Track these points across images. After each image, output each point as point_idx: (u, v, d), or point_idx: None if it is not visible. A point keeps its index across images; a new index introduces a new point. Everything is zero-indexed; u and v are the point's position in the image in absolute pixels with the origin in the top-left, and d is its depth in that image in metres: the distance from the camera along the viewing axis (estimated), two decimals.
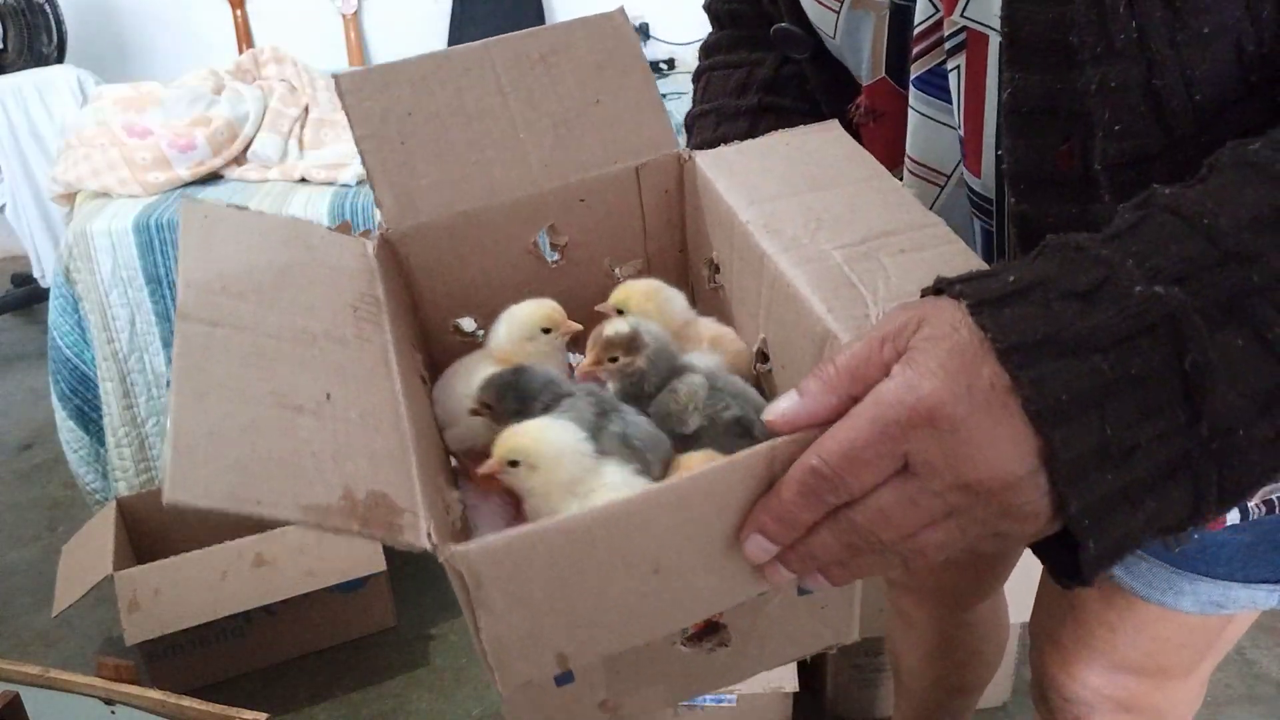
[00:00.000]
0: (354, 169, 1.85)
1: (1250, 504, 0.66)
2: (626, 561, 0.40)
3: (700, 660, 0.47)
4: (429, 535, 0.41)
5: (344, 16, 3.38)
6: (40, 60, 2.92)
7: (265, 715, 1.05)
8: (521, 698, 0.46)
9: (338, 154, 1.95)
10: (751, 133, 0.70)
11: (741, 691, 1.35)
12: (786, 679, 1.34)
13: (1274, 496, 0.66)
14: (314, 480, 0.40)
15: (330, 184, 1.85)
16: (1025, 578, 1.36)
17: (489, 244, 0.62)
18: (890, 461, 0.39)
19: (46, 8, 2.92)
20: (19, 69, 2.84)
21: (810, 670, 1.45)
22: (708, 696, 1.36)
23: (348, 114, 0.60)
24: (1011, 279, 0.40)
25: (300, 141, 2.03)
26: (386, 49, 3.46)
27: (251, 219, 0.55)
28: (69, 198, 1.97)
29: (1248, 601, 0.73)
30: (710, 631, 0.46)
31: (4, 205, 2.81)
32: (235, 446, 0.40)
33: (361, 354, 0.48)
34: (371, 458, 0.43)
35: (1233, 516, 0.67)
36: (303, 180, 1.89)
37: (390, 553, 1.78)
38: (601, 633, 0.41)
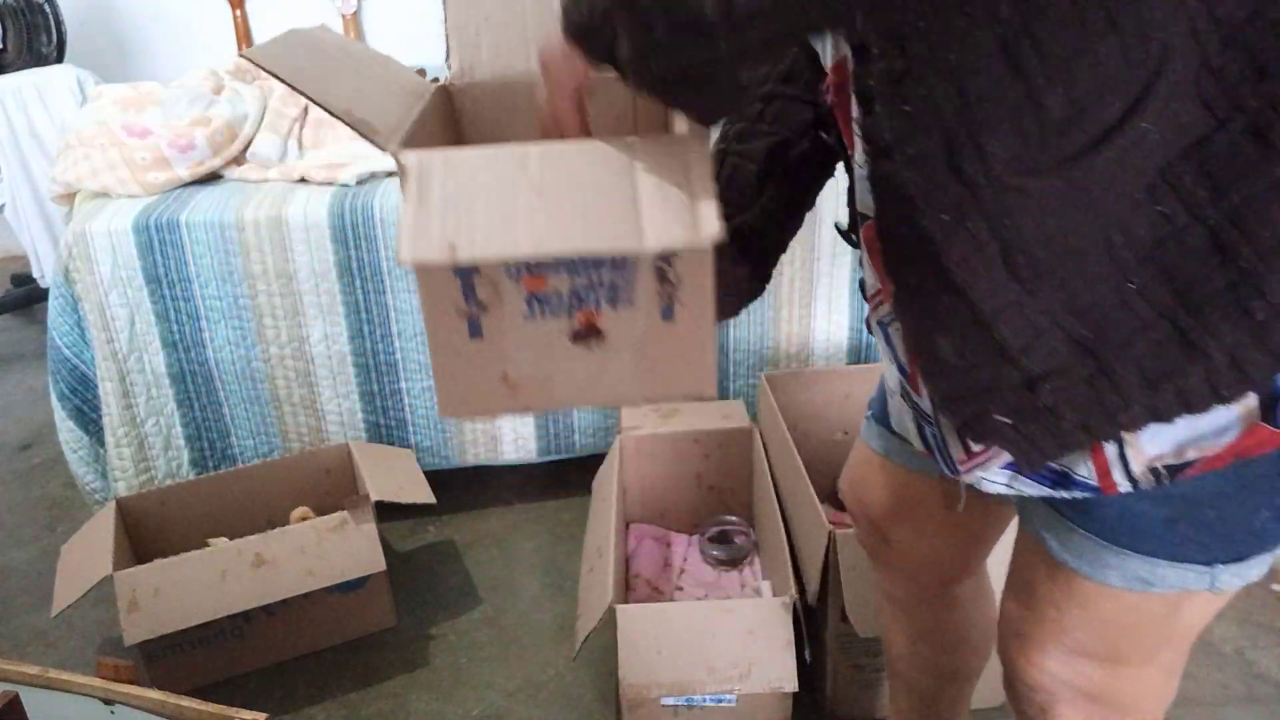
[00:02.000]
0: (353, 169, 1.85)
1: (1136, 471, 0.68)
2: (516, 181, 0.50)
3: (583, 365, 0.55)
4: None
5: (344, 16, 3.38)
6: (40, 60, 2.92)
7: (265, 715, 1.05)
8: (444, 361, 0.55)
9: (337, 154, 1.95)
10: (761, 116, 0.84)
11: (741, 691, 1.35)
12: (786, 679, 1.34)
13: (1159, 466, 0.67)
14: None
15: (330, 184, 1.85)
16: None
17: (526, 109, 0.72)
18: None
19: (46, 7, 2.92)
20: (18, 69, 2.84)
21: (810, 670, 1.45)
22: (707, 696, 1.36)
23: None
24: None
25: (300, 141, 2.03)
26: (386, 49, 3.45)
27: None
28: (68, 198, 1.97)
29: (1177, 582, 0.73)
30: (592, 333, 0.54)
31: (3, 205, 2.81)
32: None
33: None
34: None
35: (1125, 484, 0.69)
36: (302, 180, 1.89)
37: (390, 553, 1.79)
38: (481, 234, 0.49)
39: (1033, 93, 0.52)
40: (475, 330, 0.53)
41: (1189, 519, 0.70)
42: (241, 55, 0.65)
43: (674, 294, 0.50)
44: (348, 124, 0.58)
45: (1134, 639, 0.80)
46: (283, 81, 0.57)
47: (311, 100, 0.58)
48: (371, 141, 0.58)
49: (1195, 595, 0.74)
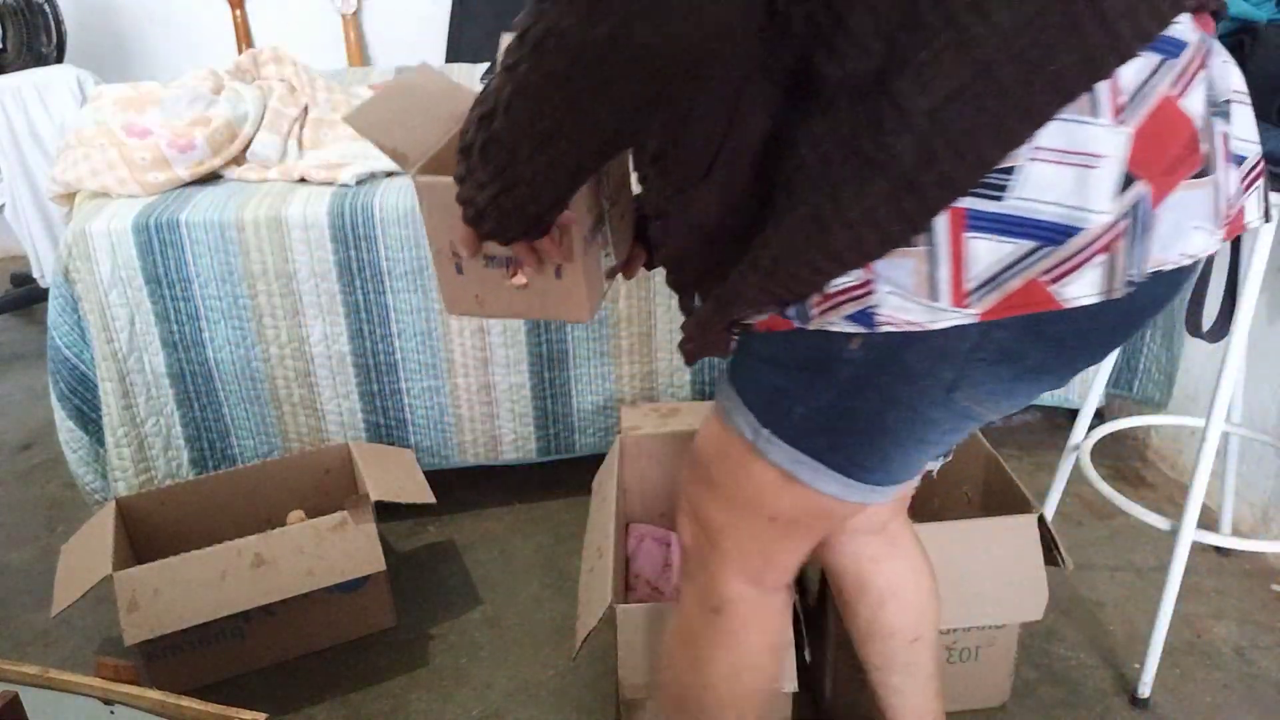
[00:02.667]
0: (353, 169, 1.85)
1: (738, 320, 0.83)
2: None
3: (516, 295, 0.87)
4: None
5: (344, 16, 3.38)
6: (39, 60, 2.92)
7: (265, 715, 1.05)
8: (444, 284, 0.89)
9: (337, 154, 1.95)
10: None
11: None
12: (786, 679, 1.34)
13: (740, 321, 0.81)
14: None
15: (330, 184, 1.85)
16: (1024, 578, 1.36)
17: None
18: None
19: (46, 7, 2.92)
20: (18, 69, 2.84)
21: (810, 670, 1.45)
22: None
23: None
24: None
25: (300, 141, 2.03)
26: (386, 49, 3.46)
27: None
28: (68, 198, 1.97)
29: (740, 423, 0.85)
30: (518, 278, 0.86)
31: (3, 205, 2.81)
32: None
33: None
34: None
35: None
36: (302, 180, 1.89)
37: (390, 553, 1.79)
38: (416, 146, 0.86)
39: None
40: (459, 270, 0.88)
41: (752, 370, 0.84)
42: (345, 120, 0.85)
43: (559, 267, 0.84)
44: (387, 155, 0.84)
45: (719, 469, 0.90)
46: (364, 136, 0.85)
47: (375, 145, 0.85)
48: (401, 168, 0.84)
49: (748, 448, 0.84)
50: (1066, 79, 0.64)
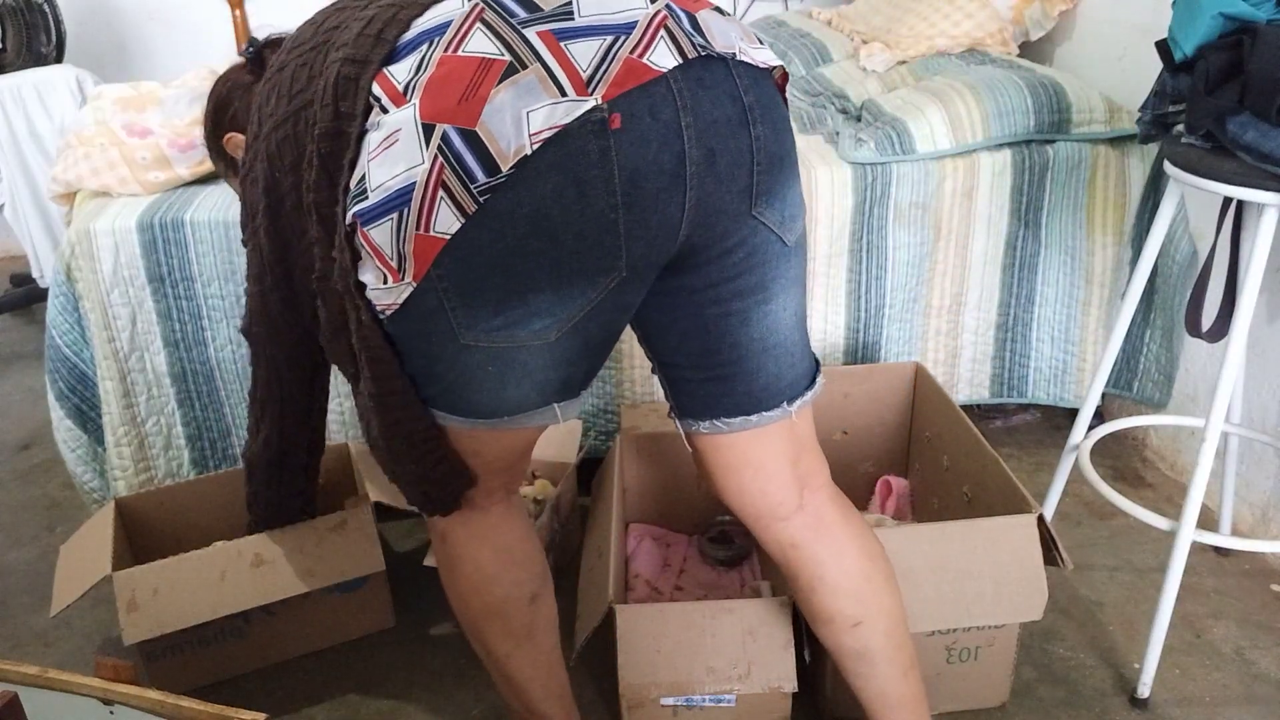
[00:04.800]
0: None
1: None
2: None
3: None
4: None
5: None
6: (39, 60, 2.92)
7: (264, 715, 1.04)
8: None
9: None
10: None
11: (741, 692, 1.35)
12: (786, 679, 1.34)
13: None
14: None
15: None
16: (1024, 578, 1.36)
17: None
18: None
19: (45, 7, 2.92)
20: (18, 69, 2.84)
21: (810, 670, 1.45)
22: (706, 696, 1.36)
23: None
24: None
25: None
26: None
27: None
28: (68, 197, 1.97)
29: None
30: None
31: (2, 205, 2.81)
32: None
33: None
34: None
35: None
36: None
37: (390, 553, 1.78)
38: None
39: None
40: None
41: None
42: None
43: None
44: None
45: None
46: None
47: None
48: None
49: None
50: (343, 124, 0.96)
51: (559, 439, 1.88)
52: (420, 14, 0.93)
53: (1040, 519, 1.38)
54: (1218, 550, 1.81)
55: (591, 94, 0.84)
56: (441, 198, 0.86)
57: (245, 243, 1.20)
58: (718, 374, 1.04)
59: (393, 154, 0.88)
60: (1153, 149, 1.92)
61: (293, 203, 1.07)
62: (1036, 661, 1.58)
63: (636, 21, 0.88)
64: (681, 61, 0.87)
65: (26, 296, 3.04)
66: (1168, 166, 1.43)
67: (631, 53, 0.86)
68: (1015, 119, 1.89)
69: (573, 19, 0.87)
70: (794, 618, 1.36)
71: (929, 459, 1.79)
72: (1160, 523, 1.48)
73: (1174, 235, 1.89)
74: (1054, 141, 1.93)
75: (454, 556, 1.16)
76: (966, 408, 2.02)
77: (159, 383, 1.84)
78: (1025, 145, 1.92)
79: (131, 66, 3.43)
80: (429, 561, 1.61)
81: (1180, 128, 1.43)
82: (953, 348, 2.05)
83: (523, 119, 0.83)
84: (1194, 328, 1.58)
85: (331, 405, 1.89)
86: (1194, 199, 1.91)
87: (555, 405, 1.02)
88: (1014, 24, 2.36)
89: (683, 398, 1.08)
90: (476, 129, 0.84)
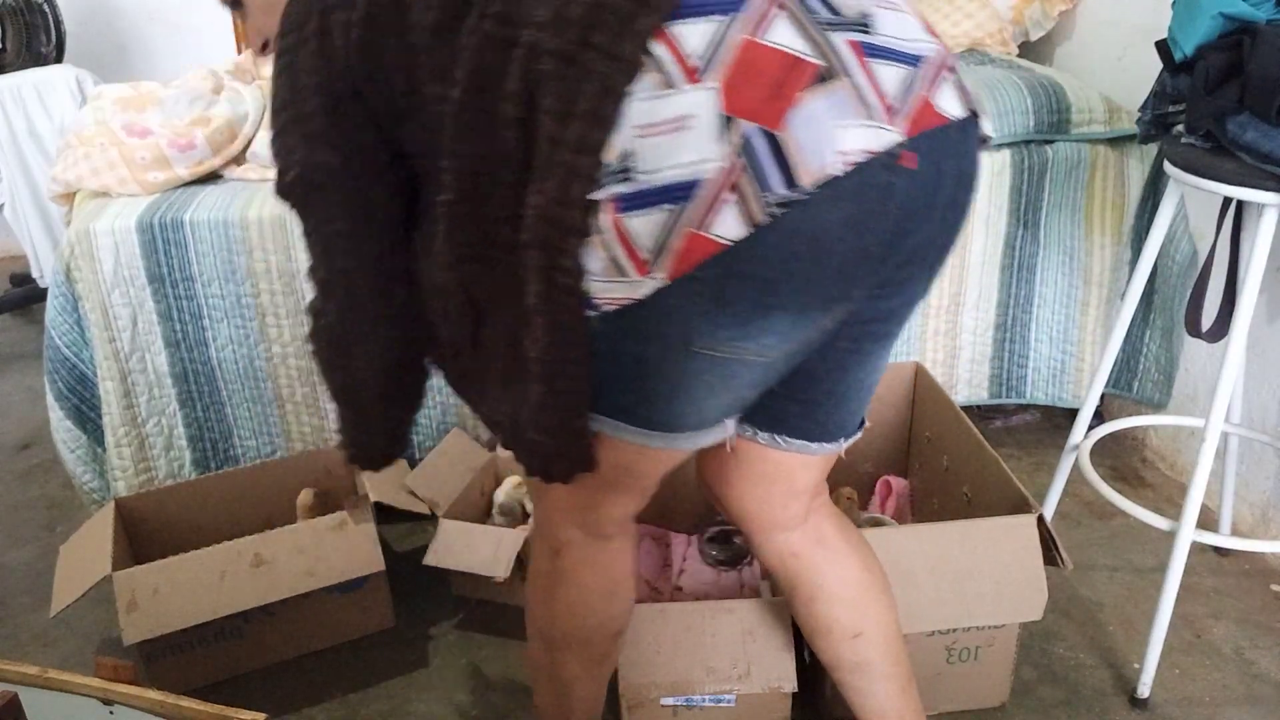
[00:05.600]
0: None
1: None
2: None
3: None
4: None
5: None
6: (39, 60, 2.92)
7: (264, 715, 1.04)
8: None
9: None
10: None
11: (740, 692, 1.35)
12: (786, 679, 1.34)
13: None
14: None
15: None
16: (1024, 578, 1.36)
17: None
18: None
19: (45, 7, 2.92)
20: (18, 69, 2.84)
21: (810, 670, 1.45)
22: (706, 696, 1.36)
23: None
24: None
25: None
26: None
27: None
28: (68, 198, 1.97)
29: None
30: None
31: (2, 205, 2.81)
32: None
33: None
34: None
35: None
36: None
37: (390, 553, 1.78)
38: None
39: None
40: None
41: None
42: None
43: None
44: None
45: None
46: None
47: None
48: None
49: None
50: (613, 81, 0.77)
51: None
52: None
53: (1040, 519, 1.38)
54: (1217, 550, 1.81)
55: (894, 125, 0.80)
56: (729, 200, 0.77)
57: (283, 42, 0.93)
58: (806, 399, 1.01)
59: (680, 141, 0.76)
60: (1152, 149, 1.92)
61: (432, 71, 0.85)
62: (1036, 661, 1.58)
63: (925, 57, 0.83)
64: (966, 114, 0.85)
65: (26, 296, 3.04)
66: (1167, 166, 1.43)
67: (925, 90, 0.82)
68: (1014, 119, 1.89)
69: (871, 34, 0.81)
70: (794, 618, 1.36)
71: (929, 459, 1.79)
72: (1160, 523, 1.48)
73: (1174, 235, 1.89)
74: (1053, 142, 1.93)
75: (561, 575, 1.09)
76: (966, 408, 2.02)
77: (160, 383, 1.84)
78: (1024, 145, 1.92)
79: (131, 67, 3.43)
80: (429, 561, 1.61)
81: (1180, 128, 1.43)
82: (951, 348, 2.05)
83: (833, 135, 0.77)
84: (1194, 328, 1.58)
85: (332, 405, 1.89)
86: (1194, 199, 1.91)
87: (728, 422, 0.97)
88: (1014, 24, 2.36)
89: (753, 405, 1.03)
90: (780, 133, 0.76)
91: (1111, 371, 1.98)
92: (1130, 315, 1.59)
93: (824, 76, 0.77)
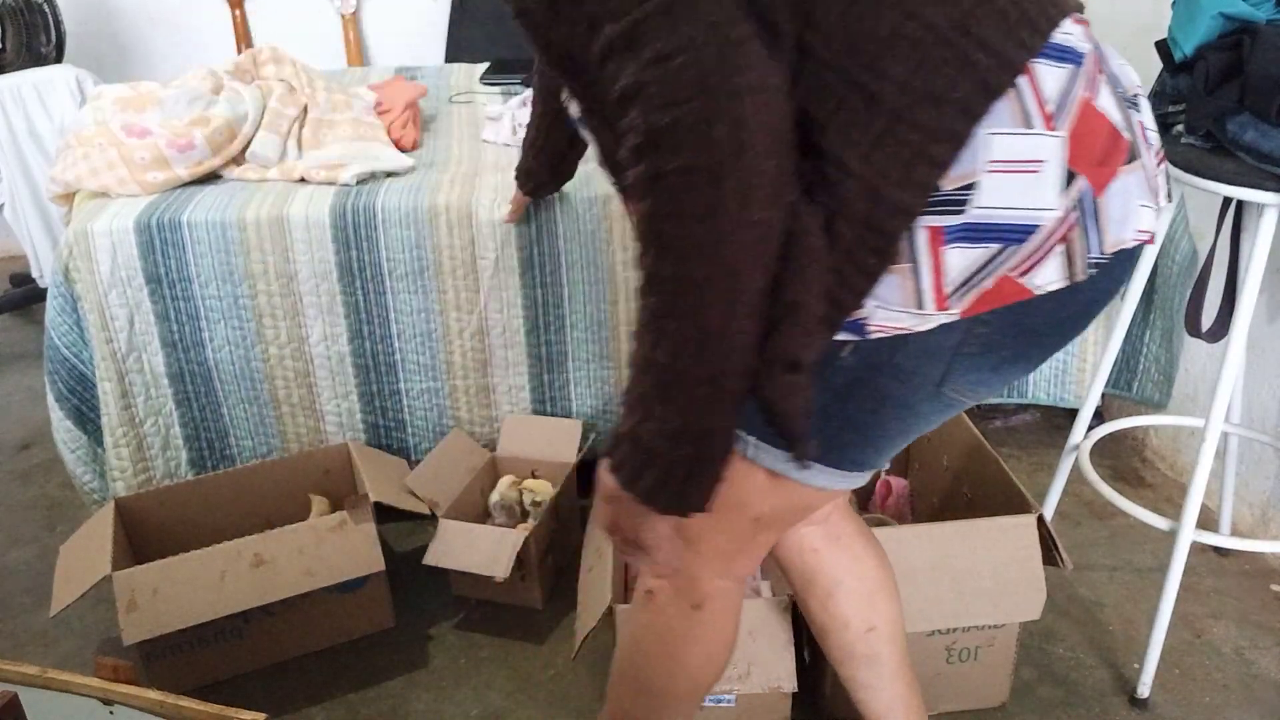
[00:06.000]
0: (352, 169, 1.85)
1: None
2: None
3: None
4: None
5: (343, 16, 3.37)
6: (38, 60, 2.92)
7: (264, 715, 1.05)
8: None
9: (337, 154, 1.95)
10: None
11: (741, 691, 1.35)
12: (786, 679, 1.34)
13: None
14: None
15: (330, 184, 1.85)
16: (1023, 578, 1.36)
17: None
18: None
19: (45, 7, 2.92)
20: (17, 69, 2.84)
21: (810, 670, 1.45)
22: (706, 696, 1.36)
23: None
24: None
25: (299, 141, 2.03)
26: (385, 49, 3.46)
27: None
28: (67, 198, 1.97)
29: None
30: None
31: (2, 205, 2.81)
32: None
33: None
34: None
35: None
36: (302, 180, 1.89)
37: (389, 553, 1.78)
38: None
39: None
40: None
41: None
42: None
43: None
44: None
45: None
46: None
47: None
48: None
49: (736, 458, 0.84)
50: (971, 102, 0.73)
51: (559, 439, 1.88)
52: (1055, 16, 0.77)
53: (1040, 519, 1.38)
54: (1217, 550, 1.81)
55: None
56: (1056, 252, 0.77)
57: None
58: (882, 437, 0.97)
59: (1028, 182, 0.75)
60: None
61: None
62: (1036, 661, 1.58)
63: (1153, 145, 0.85)
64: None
65: (26, 296, 3.04)
66: (1168, 166, 1.43)
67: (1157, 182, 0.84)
68: None
69: (1142, 115, 0.84)
70: (794, 618, 1.36)
71: (929, 459, 1.78)
72: (1160, 523, 1.48)
73: (1174, 235, 1.89)
74: None
75: (702, 628, 1.01)
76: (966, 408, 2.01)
77: (156, 383, 1.84)
78: None
79: (131, 67, 3.43)
80: (429, 561, 1.61)
81: (1180, 128, 1.43)
82: None
83: (1137, 213, 0.79)
84: (1194, 328, 1.58)
85: (329, 405, 1.89)
86: (1194, 199, 1.90)
87: None
88: None
89: None
90: (1099, 200, 0.77)
91: (1111, 371, 1.97)
92: (1130, 315, 1.59)
93: (1132, 155, 0.79)
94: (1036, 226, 0.75)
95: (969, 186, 0.74)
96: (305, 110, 2.07)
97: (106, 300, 1.77)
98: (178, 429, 1.87)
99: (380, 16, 3.43)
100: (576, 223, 1.80)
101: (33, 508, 2.13)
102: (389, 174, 1.90)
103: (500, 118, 2.15)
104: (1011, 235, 0.75)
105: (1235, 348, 1.37)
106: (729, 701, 1.37)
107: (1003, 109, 0.74)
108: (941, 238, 0.75)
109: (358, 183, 1.84)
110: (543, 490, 1.82)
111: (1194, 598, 1.69)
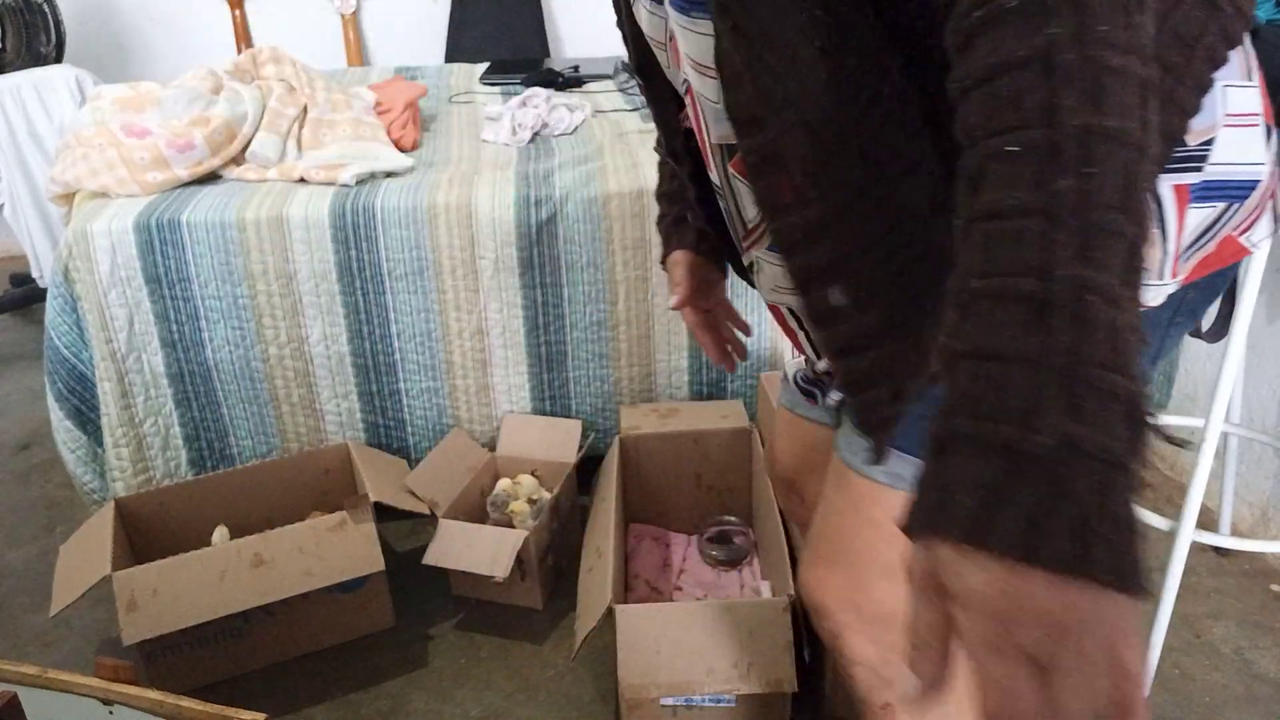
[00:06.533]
0: (352, 169, 1.85)
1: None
2: None
3: None
4: None
5: (343, 16, 3.38)
6: (38, 60, 2.92)
7: (264, 715, 1.05)
8: None
9: (336, 154, 1.95)
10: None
11: (741, 692, 1.35)
12: (786, 679, 1.34)
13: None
14: None
15: (330, 184, 1.85)
16: None
17: None
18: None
19: (45, 7, 2.92)
20: (17, 69, 2.84)
21: (810, 670, 1.45)
22: (706, 696, 1.36)
23: None
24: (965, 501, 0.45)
25: (299, 141, 2.03)
26: (385, 49, 3.46)
27: None
28: (67, 198, 1.97)
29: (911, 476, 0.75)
30: None
31: (2, 205, 2.81)
32: None
33: None
34: None
35: None
36: (301, 181, 1.89)
37: (390, 553, 1.78)
38: None
39: None
40: None
41: (917, 422, 0.74)
42: None
43: None
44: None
45: (897, 545, 0.79)
46: None
47: None
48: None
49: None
50: (1216, 49, 0.69)
51: (559, 439, 1.88)
52: None
53: None
54: (1217, 550, 1.81)
55: None
56: (1267, 208, 0.75)
57: None
58: None
59: (1250, 136, 0.72)
60: None
61: None
62: None
63: None
64: None
65: (26, 296, 3.04)
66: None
67: None
68: None
69: None
70: (794, 618, 1.36)
71: None
72: (1160, 523, 1.48)
73: None
74: None
75: None
76: None
77: (156, 383, 1.84)
78: None
79: (131, 66, 3.43)
80: (429, 561, 1.61)
81: None
82: None
83: None
84: (1194, 328, 1.58)
85: (329, 405, 1.89)
86: None
87: None
88: None
89: None
90: None
91: None
92: None
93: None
94: (1258, 181, 0.72)
95: (1209, 141, 0.70)
96: (305, 110, 2.07)
97: (106, 300, 1.77)
98: (177, 429, 1.87)
99: (380, 16, 3.43)
100: (576, 223, 1.80)
101: (33, 508, 2.13)
102: (388, 174, 1.90)
103: (500, 118, 2.15)
104: (1237, 192, 0.72)
105: (1235, 348, 1.37)
106: (729, 701, 1.37)
107: (1235, 60, 0.71)
108: (1187, 197, 0.70)
109: (357, 183, 1.84)
110: (534, 489, 1.81)
111: (1194, 598, 1.69)
